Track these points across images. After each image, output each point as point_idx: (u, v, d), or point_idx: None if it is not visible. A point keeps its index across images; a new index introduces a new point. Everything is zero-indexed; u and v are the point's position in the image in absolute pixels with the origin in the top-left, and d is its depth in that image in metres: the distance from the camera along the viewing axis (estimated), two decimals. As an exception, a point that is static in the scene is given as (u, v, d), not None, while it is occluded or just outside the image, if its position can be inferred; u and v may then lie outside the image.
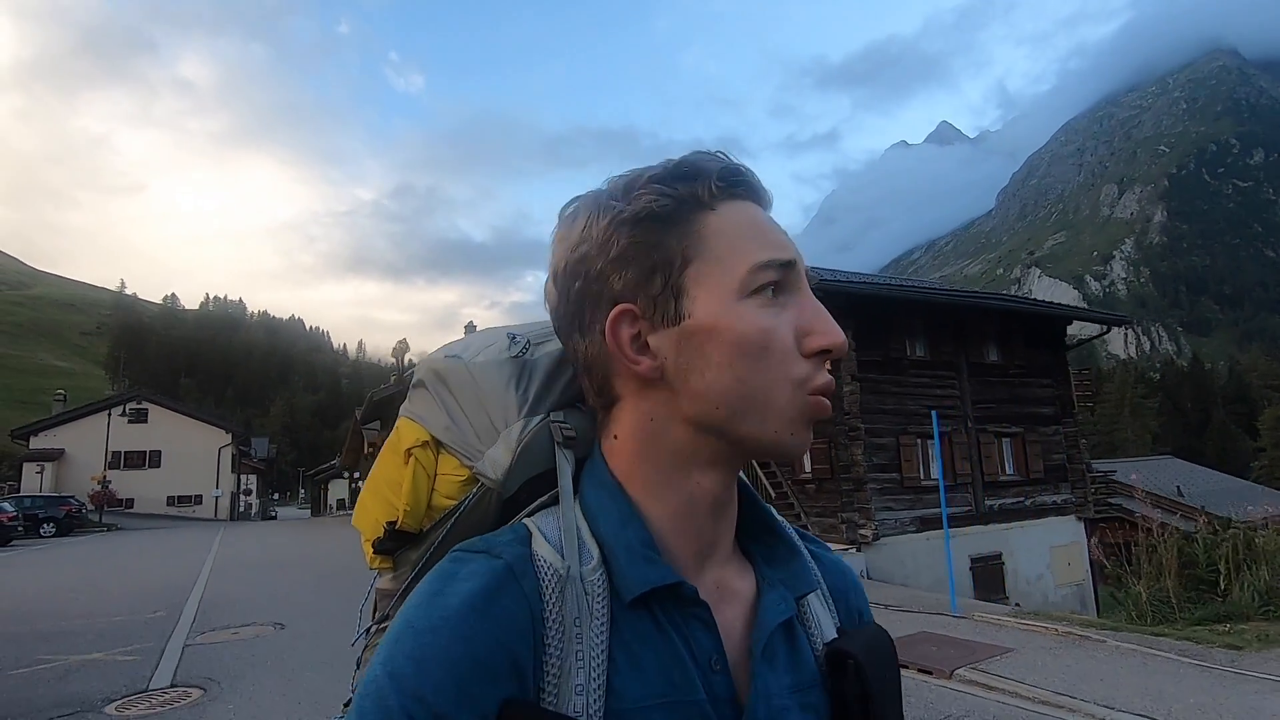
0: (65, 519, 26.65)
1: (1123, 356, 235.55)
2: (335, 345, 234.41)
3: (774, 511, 0.62)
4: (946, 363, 13.32)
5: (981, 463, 13.30)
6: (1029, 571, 13.39)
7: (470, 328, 31.66)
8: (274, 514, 50.97)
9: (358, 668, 0.66)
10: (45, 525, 26.00)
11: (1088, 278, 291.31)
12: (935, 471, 13.19)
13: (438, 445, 0.62)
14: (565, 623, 0.48)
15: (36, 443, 36.58)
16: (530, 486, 0.59)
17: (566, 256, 0.55)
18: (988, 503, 13.22)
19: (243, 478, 45.01)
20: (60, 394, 41.41)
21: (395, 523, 0.61)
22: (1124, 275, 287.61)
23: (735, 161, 0.56)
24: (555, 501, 0.56)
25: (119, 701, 4.71)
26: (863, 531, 11.57)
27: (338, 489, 55.65)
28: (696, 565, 0.55)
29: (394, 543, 0.62)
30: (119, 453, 36.49)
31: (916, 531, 12.03)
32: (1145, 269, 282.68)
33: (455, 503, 0.61)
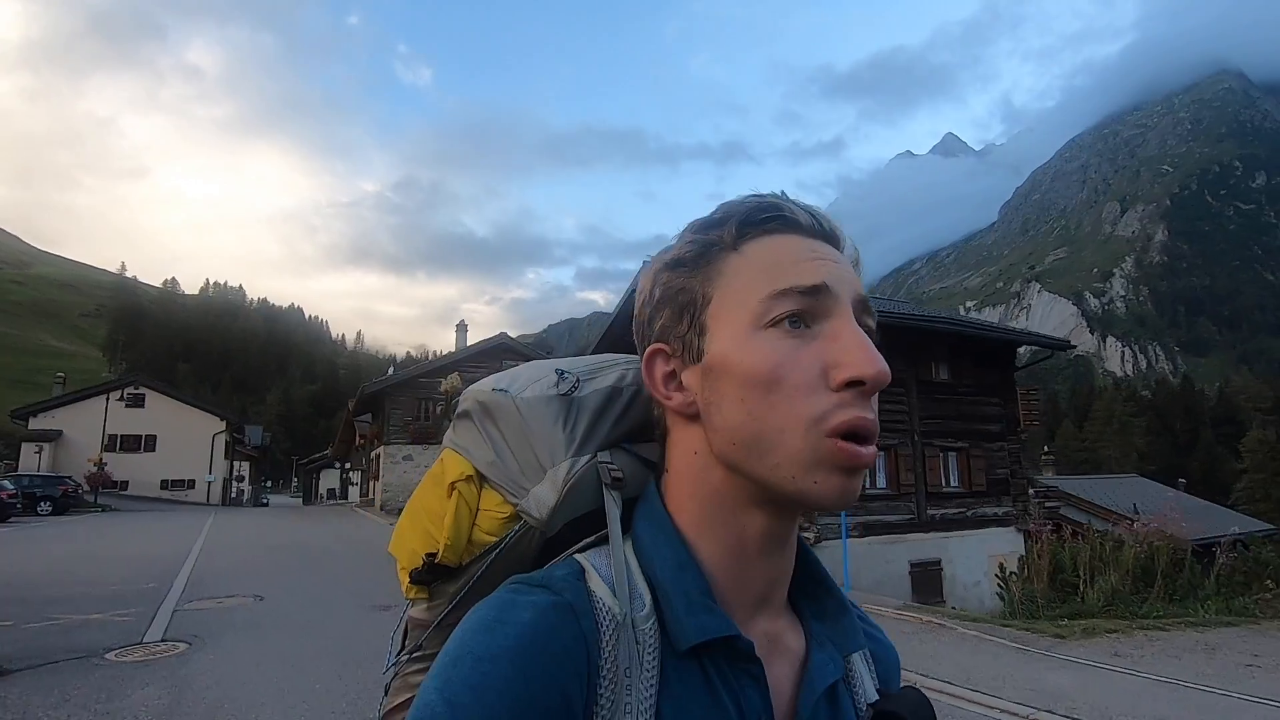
0: (62, 498, 27.43)
1: (1119, 374, 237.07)
2: (334, 336, 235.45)
3: (822, 564, 0.61)
4: (896, 380, 14.12)
5: (925, 475, 14.19)
6: (967, 578, 14.26)
7: (462, 326, 32.48)
8: (265, 501, 51.81)
9: (385, 694, 0.66)
10: (43, 504, 26.79)
11: (1087, 294, 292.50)
12: (880, 482, 14.12)
13: (481, 479, 0.62)
14: (618, 671, 0.47)
15: (35, 423, 37.37)
16: (574, 526, 0.59)
17: (637, 310, 0.58)
18: (930, 512, 14.10)
19: (236, 464, 45.72)
20: (60, 376, 42.20)
21: (435, 555, 0.61)
22: (1123, 293, 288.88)
23: (777, 199, 0.55)
24: (603, 542, 0.55)
25: (117, 650, 5.58)
26: (806, 535, 12.42)
27: (329, 478, 56.54)
28: (750, 614, 0.53)
29: (431, 575, 0.62)
30: (115, 436, 37.32)
31: (859, 536, 12.90)
32: (1145, 288, 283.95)
33: (495, 539, 0.60)
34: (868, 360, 0.48)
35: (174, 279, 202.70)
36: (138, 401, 38.92)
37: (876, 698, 0.60)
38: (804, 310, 0.50)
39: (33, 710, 4.22)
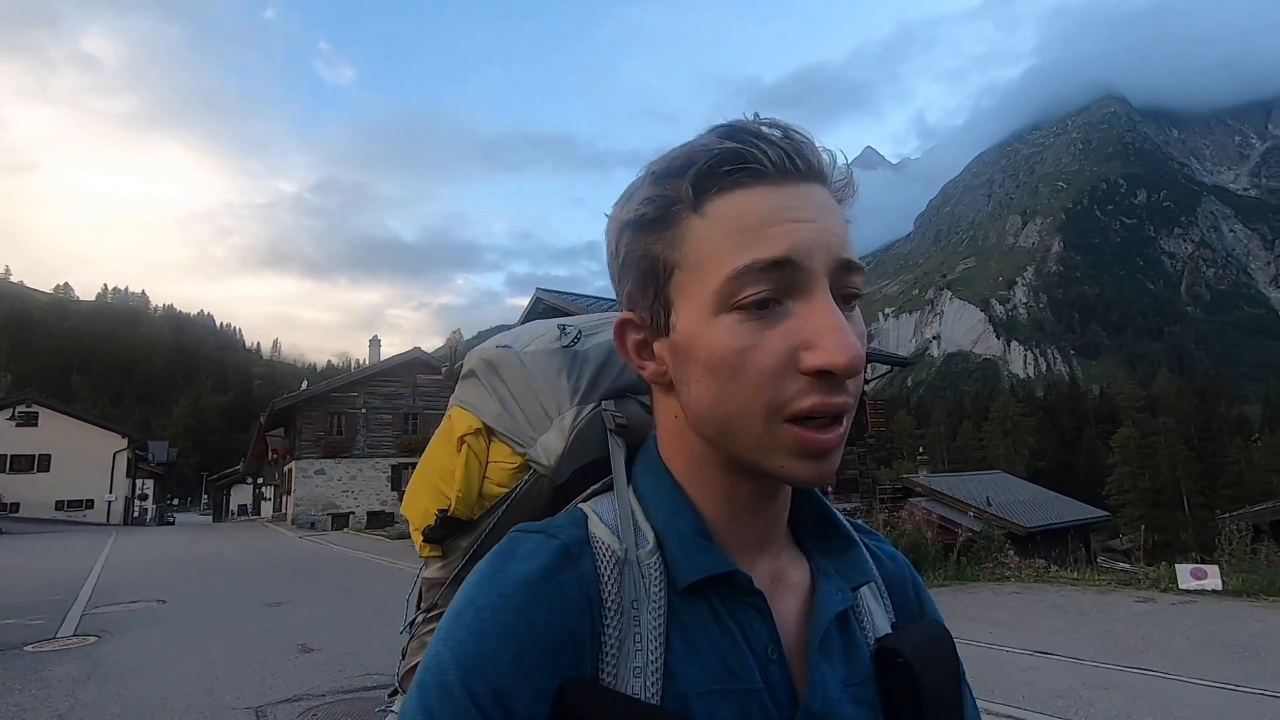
0: (-54, 522, 26.47)
1: (1022, 376, 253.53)
2: (248, 344, 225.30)
3: (829, 503, 0.60)
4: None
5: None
6: (819, 566, 16.37)
7: (375, 341, 33.00)
8: (172, 519, 50.03)
9: (402, 658, 0.67)
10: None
11: (993, 301, 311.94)
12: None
13: (489, 433, 0.64)
14: (624, 605, 0.48)
15: (-84, 445, 35.42)
16: (581, 474, 0.60)
17: (610, 260, 0.55)
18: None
19: (139, 482, 44.16)
20: (-57, 393, 39.88)
21: (447, 510, 0.62)
22: (1025, 300, 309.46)
23: (743, 137, 0.48)
24: (609, 488, 0.56)
25: (34, 644, 6.56)
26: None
27: (241, 494, 55.04)
28: (751, 555, 0.53)
29: (445, 530, 0.63)
30: (4, 456, 35.78)
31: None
32: (1044, 295, 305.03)
33: (506, 490, 0.62)
34: (838, 348, 0.44)
35: (67, 284, 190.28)
36: (30, 420, 37.34)
37: (889, 630, 0.59)
38: (772, 288, 0.46)
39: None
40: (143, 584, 10.93)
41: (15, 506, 35.72)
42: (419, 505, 0.66)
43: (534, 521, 0.53)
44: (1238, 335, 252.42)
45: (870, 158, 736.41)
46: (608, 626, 0.47)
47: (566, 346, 0.64)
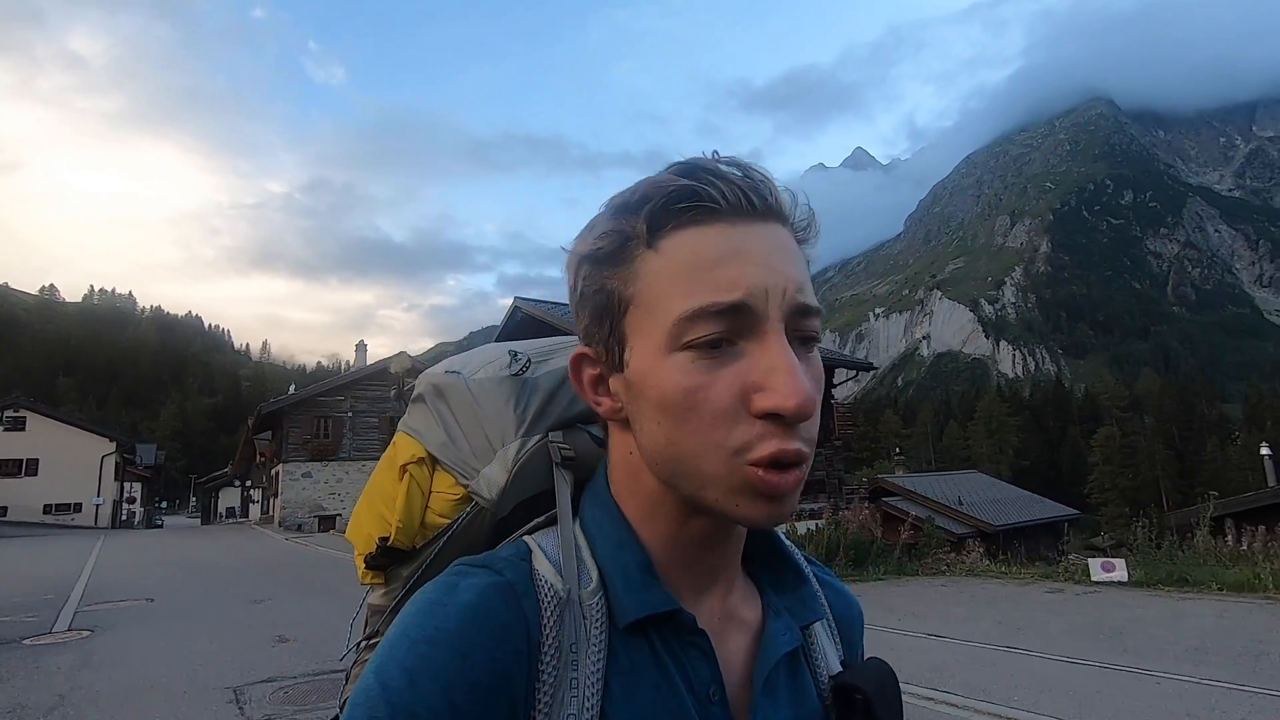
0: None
1: (1011, 376, 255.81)
2: (237, 345, 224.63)
3: (782, 536, 0.59)
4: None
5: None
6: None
7: (361, 346, 33.50)
8: (160, 522, 50.27)
9: (346, 682, 0.65)
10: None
11: (982, 301, 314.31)
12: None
13: (434, 462, 0.62)
14: (562, 648, 0.47)
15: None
16: (527, 507, 0.59)
17: (570, 289, 0.53)
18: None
19: (127, 485, 44.44)
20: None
21: (388, 538, 0.61)
22: (1014, 300, 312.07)
23: (698, 175, 0.47)
24: (553, 522, 0.55)
25: (31, 638, 7.15)
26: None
27: (229, 497, 55.33)
28: (697, 592, 0.52)
29: (386, 559, 0.61)
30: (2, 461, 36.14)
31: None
32: (1033, 295, 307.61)
33: (448, 521, 0.60)
34: (789, 391, 0.43)
35: (52, 285, 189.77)
36: (18, 425, 37.61)
37: (839, 669, 0.59)
38: (725, 329, 0.45)
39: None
40: (132, 584, 11.48)
41: (4, 510, 36.01)
42: (363, 530, 0.65)
43: (480, 555, 0.52)
44: (1222, 335, 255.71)
45: (860, 158, 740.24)
46: (544, 671, 0.46)
47: (516, 374, 0.62)
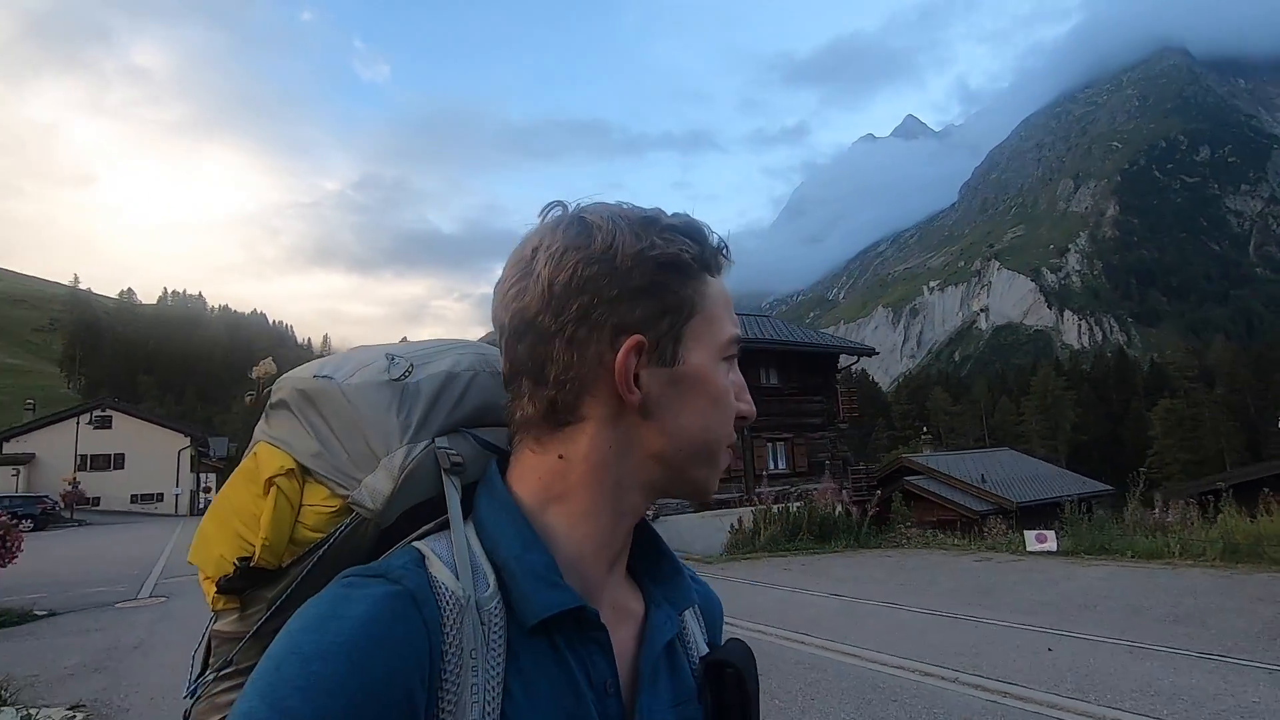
0: (41, 515, 30.21)
1: (1076, 347, 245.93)
2: (299, 339, 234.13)
3: (655, 530, 0.63)
4: (728, 387, 17.97)
5: (753, 461, 17.95)
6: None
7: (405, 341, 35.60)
8: (235, 509, 54.31)
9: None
10: (24, 521, 29.56)
11: (1044, 270, 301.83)
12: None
13: (304, 473, 0.59)
14: (463, 654, 0.47)
15: (9, 447, 39.89)
16: (409, 516, 0.57)
17: (577, 268, 0.53)
18: (758, 490, 17.85)
19: (202, 476, 48.36)
20: (30, 402, 44.67)
21: (250, 559, 0.57)
22: (1078, 268, 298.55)
23: (720, 239, 0.60)
24: (443, 528, 0.54)
25: (120, 602, 9.00)
26: (647, 512, 16.09)
27: (297, 484, 59.22)
28: (600, 585, 0.55)
29: (245, 581, 0.57)
30: (85, 455, 39.96)
31: (694, 512, 16.59)
32: (1099, 262, 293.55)
33: (323, 535, 0.57)
34: (752, 403, 0.60)
35: (130, 289, 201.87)
36: (105, 423, 41.61)
37: (707, 650, 0.64)
38: (733, 354, 0.59)
39: (82, 626, 7.66)
40: (202, 561, 13.53)
41: (96, 500, 39.96)
42: (213, 552, 0.59)
43: (372, 564, 0.50)
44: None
45: (912, 127, 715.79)
46: (446, 680, 0.46)
47: (396, 380, 0.60)
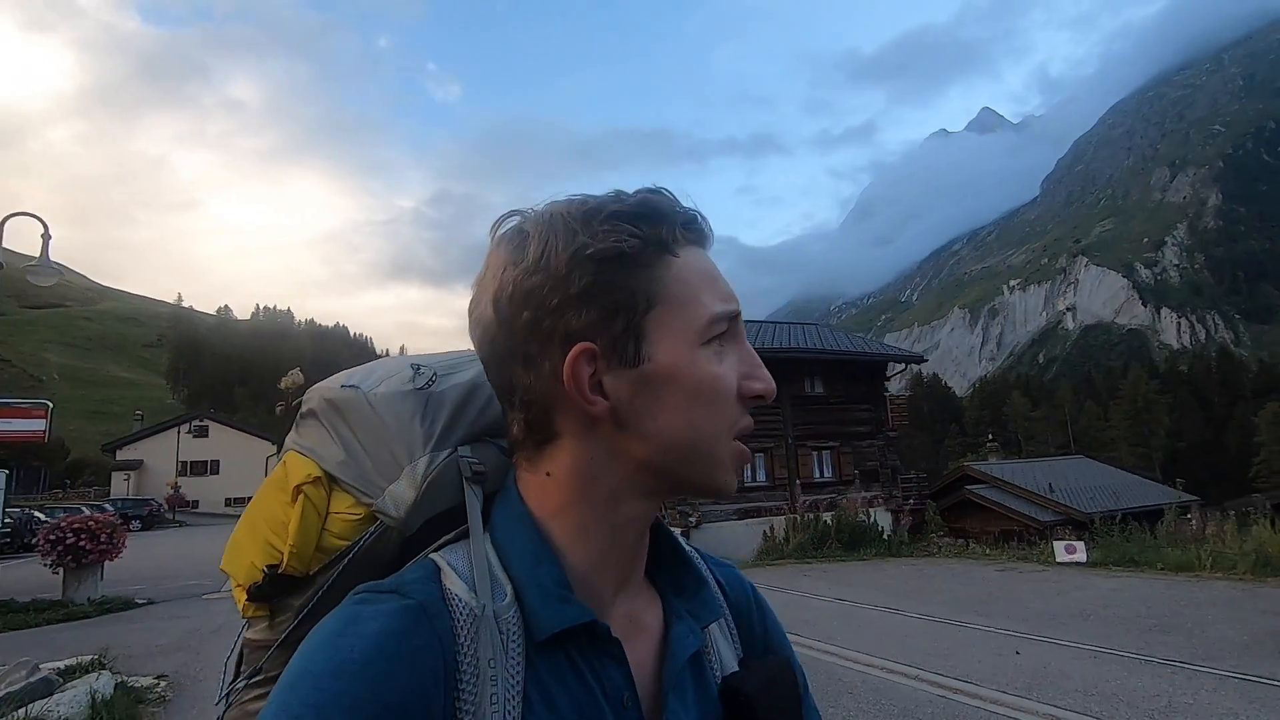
0: (148, 516, 33.49)
1: (1176, 347, 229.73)
2: (379, 351, 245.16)
3: (681, 539, 0.61)
4: (772, 396, 18.19)
5: (798, 470, 18.10)
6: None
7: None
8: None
9: None
10: (133, 522, 32.71)
11: (1138, 265, 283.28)
12: (760, 477, 18.05)
13: (331, 481, 0.60)
14: (480, 664, 0.46)
15: (121, 455, 44.13)
16: (432, 525, 0.57)
17: (516, 283, 0.51)
18: (802, 498, 17.99)
19: (290, 481, 52.29)
20: (139, 414, 49.20)
21: (278, 567, 0.58)
22: (1176, 262, 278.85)
23: (689, 206, 0.55)
24: (462, 538, 0.54)
25: (205, 594, 10.21)
26: (690, 519, 16.54)
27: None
28: (609, 600, 0.54)
29: (274, 589, 0.58)
30: (185, 462, 43.89)
31: (738, 520, 16.92)
32: (1200, 254, 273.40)
33: (348, 543, 0.58)
34: (769, 377, 0.53)
35: (227, 306, 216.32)
36: (203, 432, 45.55)
37: (736, 668, 0.59)
38: (727, 331, 0.53)
39: (173, 613, 8.82)
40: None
41: (195, 503, 43.62)
42: (244, 560, 0.60)
43: (380, 579, 0.50)
44: None
45: (987, 120, 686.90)
46: (463, 690, 0.45)
47: (421, 388, 0.61)
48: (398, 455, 0.59)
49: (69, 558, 9.59)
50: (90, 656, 5.74)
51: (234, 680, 0.62)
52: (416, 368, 0.63)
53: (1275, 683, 4.50)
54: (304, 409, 0.65)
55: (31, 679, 4.60)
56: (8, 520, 20.63)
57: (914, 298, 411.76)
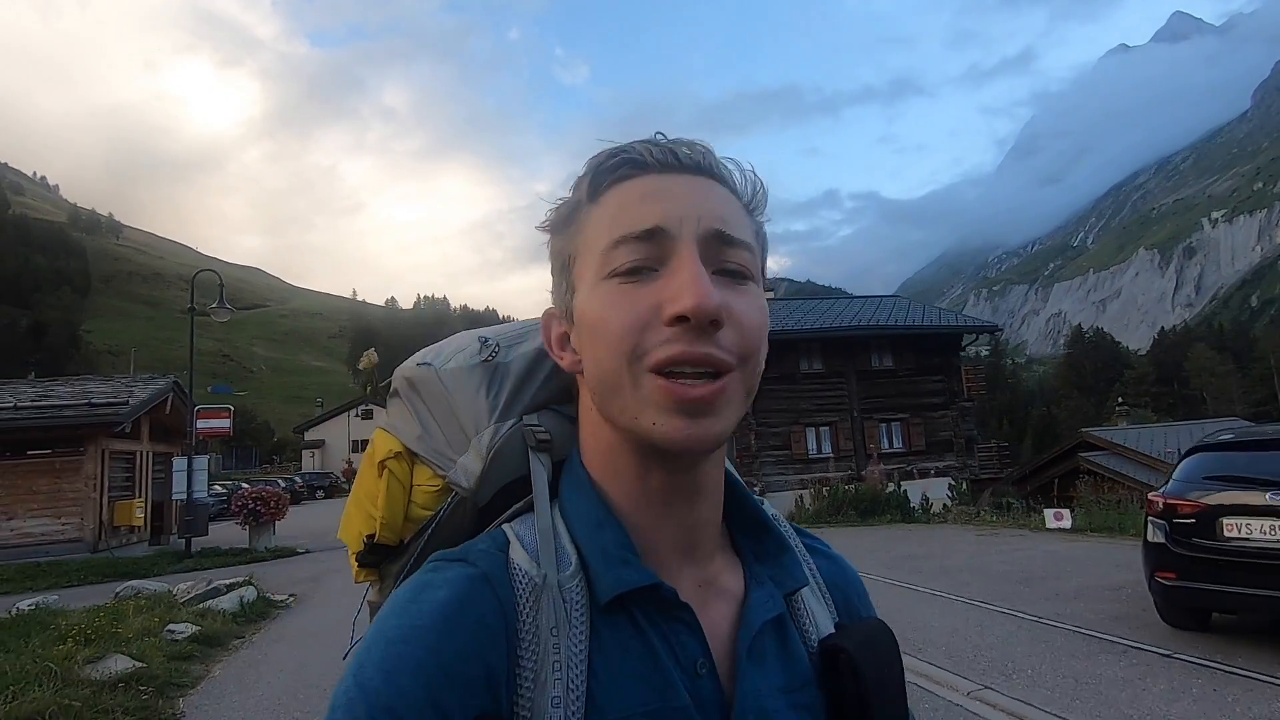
0: (329, 487, 40.88)
1: None
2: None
3: (765, 504, 0.60)
4: (837, 372, 19.05)
5: (864, 442, 18.87)
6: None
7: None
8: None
9: None
10: (318, 492, 39.91)
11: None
12: (825, 448, 18.99)
13: (412, 456, 0.63)
14: (541, 632, 0.47)
15: (309, 435, 52.85)
16: (507, 492, 0.59)
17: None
18: (870, 469, 18.75)
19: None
20: (320, 401, 58.28)
21: (374, 536, 0.61)
22: None
23: (634, 144, 0.52)
24: (532, 507, 0.55)
25: (314, 551, 13.39)
26: (755, 488, 17.95)
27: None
28: (677, 563, 0.53)
29: (375, 556, 0.62)
30: (356, 441, 51.64)
31: (801, 488, 18.11)
32: None
33: (431, 513, 0.61)
34: (689, 293, 0.46)
35: (393, 298, 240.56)
36: (369, 414, 53.08)
37: (832, 631, 0.58)
38: (644, 257, 0.49)
39: (318, 560, 12.00)
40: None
41: (360, 478, 52.22)
42: (354, 530, 0.65)
43: (453, 548, 0.52)
44: None
45: (1180, 26, 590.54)
46: (524, 657, 0.46)
47: (486, 361, 0.63)
48: (466, 428, 0.61)
49: (251, 519, 13.22)
50: (244, 578, 8.63)
51: (357, 638, 0.63)
52: (483, 340, 0.65)
53: (1037, 618, 5.57)
54: (392, 388, 0.69)
55: (207, 588, 7.48)
56: (223, 491, 26.56)
57: (1089, 241, 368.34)
